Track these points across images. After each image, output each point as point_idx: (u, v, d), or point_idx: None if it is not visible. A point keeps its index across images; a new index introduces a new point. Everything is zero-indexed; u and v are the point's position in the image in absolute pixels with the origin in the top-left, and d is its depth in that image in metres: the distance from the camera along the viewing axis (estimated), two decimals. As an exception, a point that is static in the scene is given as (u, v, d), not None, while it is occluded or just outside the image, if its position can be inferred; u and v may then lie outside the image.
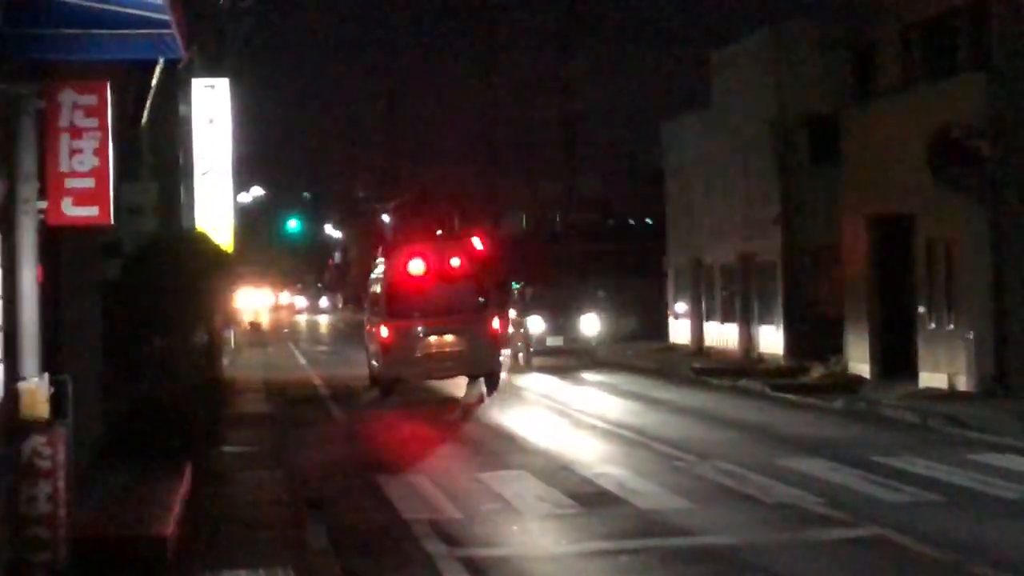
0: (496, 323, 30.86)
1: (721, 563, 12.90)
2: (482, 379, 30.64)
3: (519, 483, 17.80)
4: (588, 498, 16.51)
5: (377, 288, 32.01)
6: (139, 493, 14.80)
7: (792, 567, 12.75)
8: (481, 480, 18.14)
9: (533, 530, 14.80)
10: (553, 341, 41.51)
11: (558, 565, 13.11)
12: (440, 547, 13.82)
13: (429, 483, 17.96)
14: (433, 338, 30.11)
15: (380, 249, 34.37)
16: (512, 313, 41.09)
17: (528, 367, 40.26)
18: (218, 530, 14.02)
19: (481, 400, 29.80)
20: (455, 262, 30.92)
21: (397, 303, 30.49)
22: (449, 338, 30.23)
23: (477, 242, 31.70)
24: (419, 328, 30.10)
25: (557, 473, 18.58)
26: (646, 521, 15.08)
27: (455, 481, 18.13)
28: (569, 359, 41.19)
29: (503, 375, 32.58)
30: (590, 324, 42.50)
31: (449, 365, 30.40)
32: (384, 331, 30.47)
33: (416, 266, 30.83)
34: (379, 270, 32.52)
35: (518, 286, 44.90)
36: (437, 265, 30.84)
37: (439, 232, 44.89)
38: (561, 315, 41.76)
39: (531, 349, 41.23)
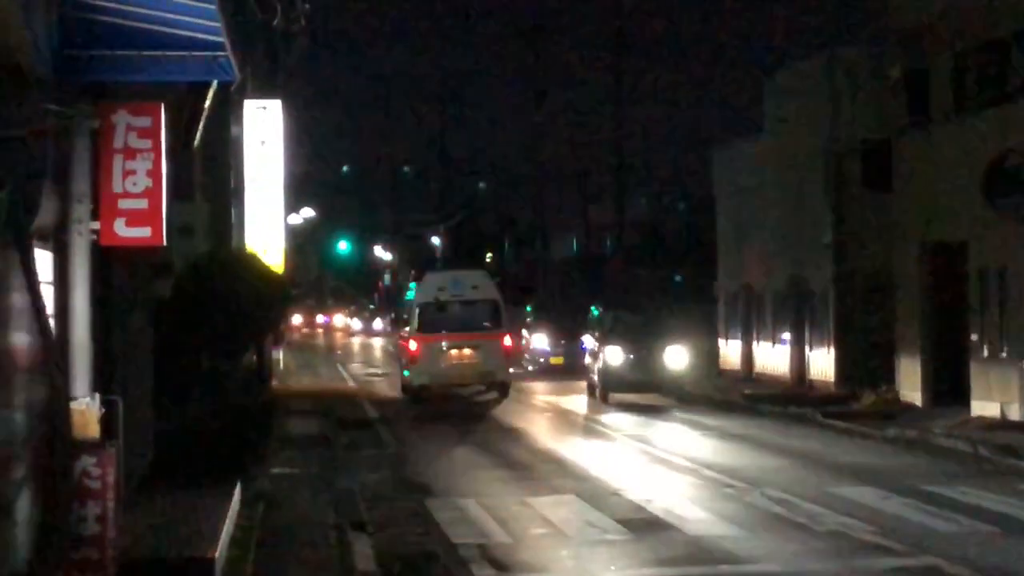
0: (507, 340, 36.03)
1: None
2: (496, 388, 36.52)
3: (568, 508, 17.72)
4: (637, 524, 16.42)
5: (409, 309, 37.42)
6: (187, 515, 14.80)
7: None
8: (530, 504, 18.08)
9: (583, 555, 14.72)
10: (633, 374, 35.86)
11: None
12: (488, 571, 13.76)
13: (477, 507, 17.91)
14: (456, 349, 35.21)
15: (413, 274, 41.89)
16: (591, 342, 38.32)
17: (604, 402, 35.34)
18: (266, 553, 14.00)
19: (503, 391, 36.40)
20: (474, 288, 36.45)
21: (425, 321, 35.37)
22: (467, 351, 35.26)
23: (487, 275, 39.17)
24: (443, 343, 35.07)
25: (607, 498, 18.49)
26: (695, 548, 14.98)
27: (504, 505, 18.06)
28: (649, 395, 36.05)
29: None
30: (676, 357, 37.49)
31: (467, 374, 35.43)
32: (413, 344, 35.55)
33: (441, 291, 36.27)
34: (411, 294, 37.79)
35: (597, 312, 40.15)
36: (458, 290, 36.11)
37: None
38: (643, 345, 36.30)
39: (607, 384, 35.85)
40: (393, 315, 47.60)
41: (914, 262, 32.28)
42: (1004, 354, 28.14)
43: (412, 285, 37.77)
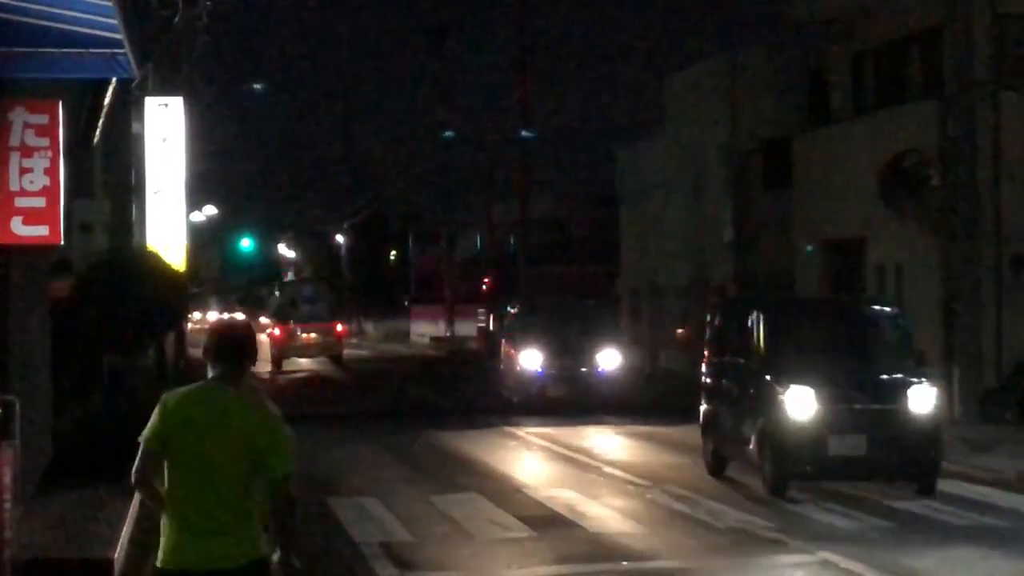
0: (339, 327, 53.18)
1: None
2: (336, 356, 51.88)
3: (471, 506, 17.75)
4: (539, 521, 16.49)
5: (275, 304, 55.45)
6: (86, 515, 14.68)
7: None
8: (433, 502, 18.09)
9: (484, 553, 14.75)
10: (556, 387, 33.12)
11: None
12: (391, 570, 13.77)
13: (380, 505, 17.90)
14: (305, 333, 50.72)
15: (283, 275, 55.24)
16: (504, 345, 35.40)
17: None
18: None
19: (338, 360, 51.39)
20: (316, 293, 54.70)
21: (284, 316, 51.33)
22: (312, 335, 50.79)
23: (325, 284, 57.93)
24: (297, 329, 50.69)
25: (510, 496, 18.53)
26: (596, 544, 15.06)
27: (406, 504, 18.06)
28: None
29: None
30: (609, 360, 33.19)
31: (312, 349, 51.62)
32: (277, 331, 50.64)
33: (295, 295, 54.19)
34: (273, 299, 56.20)
35: (512, 309, 37.31)
36: (306, 295, 53.99)
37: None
38: (568, 346, 32.96)
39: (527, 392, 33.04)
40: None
41: (814, 259, 32.65)
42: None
43: (275, 292, 57.56)
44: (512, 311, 37.19)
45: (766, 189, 36.37)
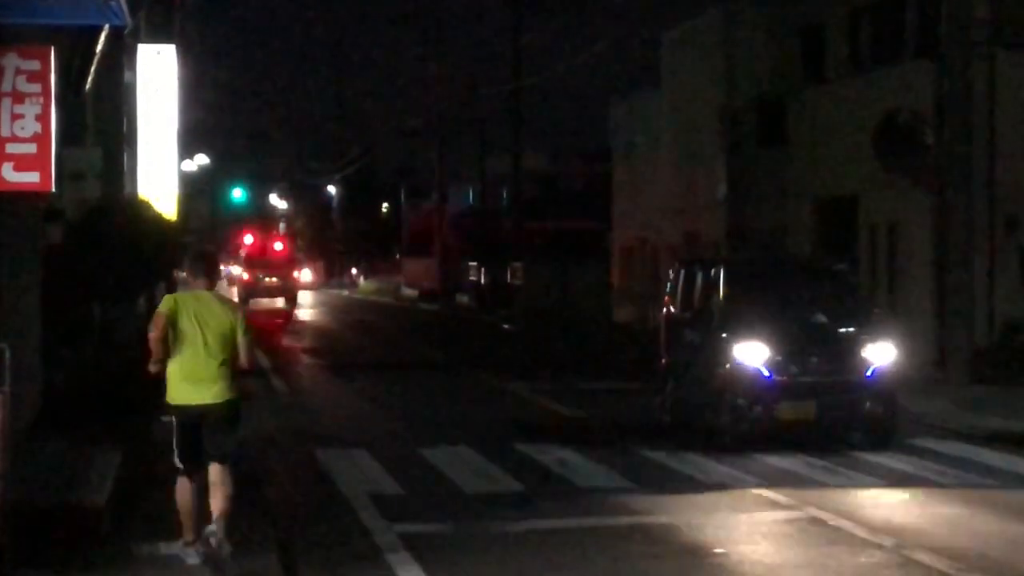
0: (295, 273, 65.67)
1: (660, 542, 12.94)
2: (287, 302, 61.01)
3: (462, 459, 17.78)
4: (531, 476, 16.51)
5: (244, 255, 65.88)
6: (76, 463, 14.69)
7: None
8: (423, 455, 18.12)
9: (475, 506, 14.77)
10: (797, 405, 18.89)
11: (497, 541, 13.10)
12: (379, 522, 13.79)
13: (369, 457, 17.92)
14: (268, 278, 62.20)
15: (246, 239, 67.21)
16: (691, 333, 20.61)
17: None
18: (155, 502, 13.92)
19: (291, 314, 57.22)
20: (278, 245, 66.32)
21: (251, 264, 63.36)
22: (274, 279, 62.13)
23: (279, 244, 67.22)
24: (261, 274, 62.31)
25: (501, 451, 18.55)
26: (588, 499, 15.10)
27: (397, 456, 18.09)
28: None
29: None
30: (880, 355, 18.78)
31: (274, 292, 61.96)
32: (245, 276, 63.35)
33: (259, 243, 65.79)
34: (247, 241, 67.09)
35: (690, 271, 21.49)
36: (270, 244, 66.08)
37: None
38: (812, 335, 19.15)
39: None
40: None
41: (806, 217, 32.63)
42: (892, 308, 28.56)
43: (245, 244, 67.23)
44: (692, 275, 20.92)
45: (760, 147, 36.28)
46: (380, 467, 17.18)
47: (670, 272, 22.18)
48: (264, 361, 33.26)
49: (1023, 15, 27.43)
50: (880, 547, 12.63)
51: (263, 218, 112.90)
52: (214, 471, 11.29)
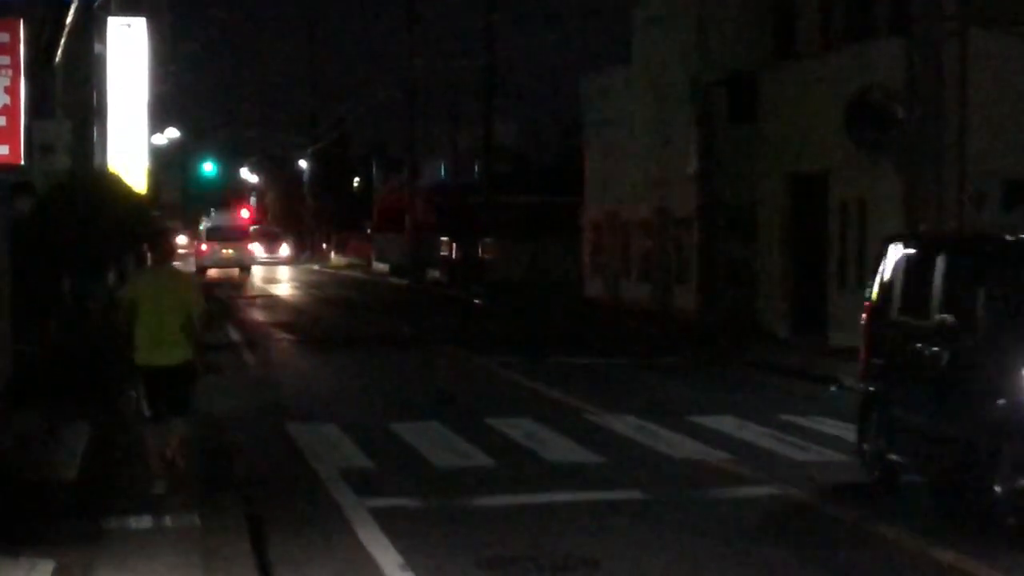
0: (250, 246, 73.14)
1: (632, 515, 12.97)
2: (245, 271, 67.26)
3: (432, 433, 17.79)
4: (500, 450, 16.54)
5: (205, 229, 71.66)
6: (45, 437, 14.66)
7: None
8: (393, 430, 18.12)
9: (445, 480, 14.79)
10: None
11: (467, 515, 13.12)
12: (349, 496, 13.79)
13: (339, 431, 17.92)
14: (224, 250, 68.32)
15: (209, 211, 75.28)
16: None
17: None
18: (125, 477, 13.91)
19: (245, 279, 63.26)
20: (244, 213, 79.68)
21: (209, 236, 69.92)
22: (229, 251, 68.59)
23: (246, 212, 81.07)
24: (218, 245, 68.73)
25: (471, 425, 18.56)
26: (557, 473, 15.13)
27: (366, 429, 18.09)
28: None
29: None
30: None
31: (232, 261, 68.26)
32: (204, 247, 69.52)
33: (219, 221, 72.34)
34: (203, 224, 73.19)
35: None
36: (227, 222, 73.12)
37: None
38: None
39: None
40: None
41: (778, 193, 32.70)
42: (861, 284, 28.66)
43: (205, 219, 74.23)
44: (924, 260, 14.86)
45: (731, 122, 36.24)
46: (351, 442, 17.17)
47: (882, 256, 15.58)
48: (235, 336, 33.23)
49: (994, -8, 27.47)
50: (847, 520, 12.69)
51: (233, 191, 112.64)
52: (174, 421, 13.34)
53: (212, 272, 66.87)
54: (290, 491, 14.18)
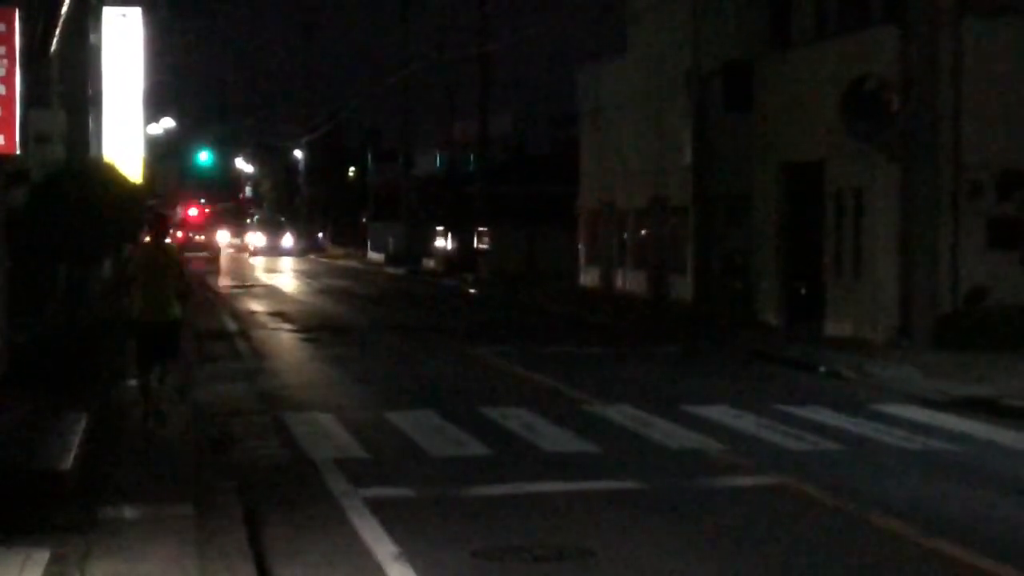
0: (217, 246, 76.01)
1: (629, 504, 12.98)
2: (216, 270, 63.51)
3: (427, 423, 17.79)
4: (495, 440, 16.54)
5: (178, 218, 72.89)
6: (40, 427, 14.65)
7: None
8: (388, 419, 18.12)
9: (440, 469, 14.78)
10: None
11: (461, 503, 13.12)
12: (345, 486, 13.79)
13: (334, 421, 17.92)
14: (195, 237, 74.01)
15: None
16: None
17: None
18: (120, 466, 13.91)
19: (217, 272, 61.07)
20: (193, 211, 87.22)
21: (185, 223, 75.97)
22: (200, 237, 74.38)
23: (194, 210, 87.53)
24: (191, 233, 74.94)
25: (466, 414, 18.56)
26: (553, 463, 15.14)
27: (361, 419, 18.09)
28: None
29: None
30: None
31: (200, 248, 69.99)
32: (179, 235, 67.61)
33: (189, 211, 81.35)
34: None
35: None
36: (200, 215, 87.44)
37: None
38: None
39: None
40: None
41: (773, 182, 32.69)
42: (857, 274, 28.66)
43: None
44: None
45: (727, 111, 36.27)
46: (346, 431, 17.18)
47: None
48: (231, 326, 33.23)
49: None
50: (842, 511, 12.71)
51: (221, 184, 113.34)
52: (166, 368, 16.75)
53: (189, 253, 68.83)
54: (285, 480, 14.17)
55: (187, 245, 69.88)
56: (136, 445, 15.28)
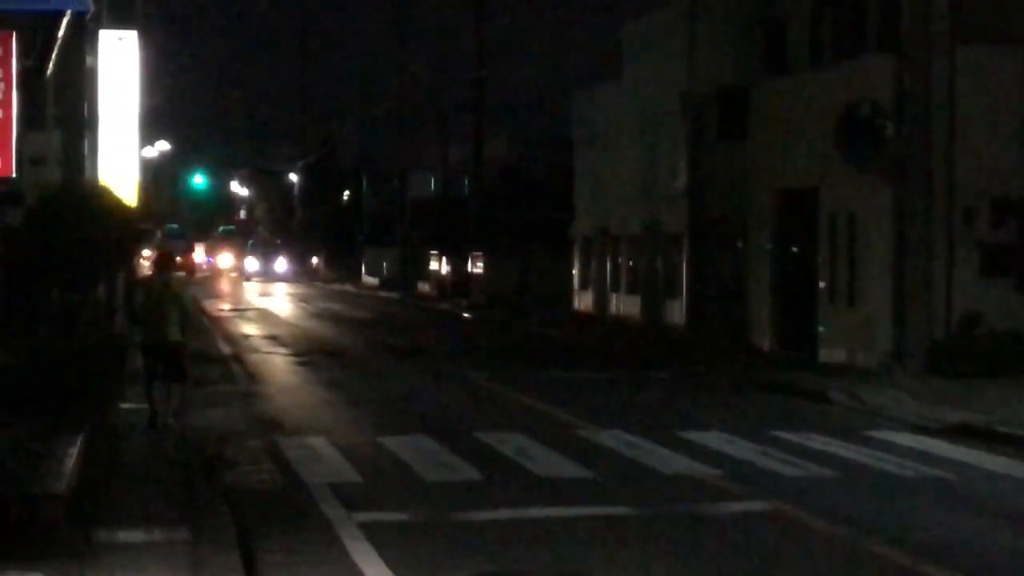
0: (192, 261, 77.63)
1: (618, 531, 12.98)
2: None
3: (419, 447, 17.78)
4: (488, 464, 16.53)
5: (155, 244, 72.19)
6: (34, 450, 14.64)
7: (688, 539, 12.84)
8: (381, 443, 18.11)
9: (433, 494, 14.78)
10: None
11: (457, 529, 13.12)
12: (339, 510, 13.78)
13: (328, 445, 17.91)
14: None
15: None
16: None
17: None
18: (114, 489, 13.90)
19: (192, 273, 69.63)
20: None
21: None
22: (181, 273, 69.88)
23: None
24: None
25: (458, 438, 18.56)
26: (546, 488, 15.13)
27: (355, 443, 18.08)
28: None
29: None
30: None
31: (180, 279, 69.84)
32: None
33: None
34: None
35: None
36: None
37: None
38: None
39: None
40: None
41: (767, 208, 32.74)
42: (851, 300, 28.68)
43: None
44: None
45: (721, 138, 36.35)
46: (340, 455, 17.17)
47: None
48: (225, 349, 33.21)
49: (983, 9, 27.55)
50: (835, 537, 12.71)
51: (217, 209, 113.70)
52: (172, 388, 18.53)
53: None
54: (280, 505, 14.16)
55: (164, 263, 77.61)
56: (131, 469, 15.26)
